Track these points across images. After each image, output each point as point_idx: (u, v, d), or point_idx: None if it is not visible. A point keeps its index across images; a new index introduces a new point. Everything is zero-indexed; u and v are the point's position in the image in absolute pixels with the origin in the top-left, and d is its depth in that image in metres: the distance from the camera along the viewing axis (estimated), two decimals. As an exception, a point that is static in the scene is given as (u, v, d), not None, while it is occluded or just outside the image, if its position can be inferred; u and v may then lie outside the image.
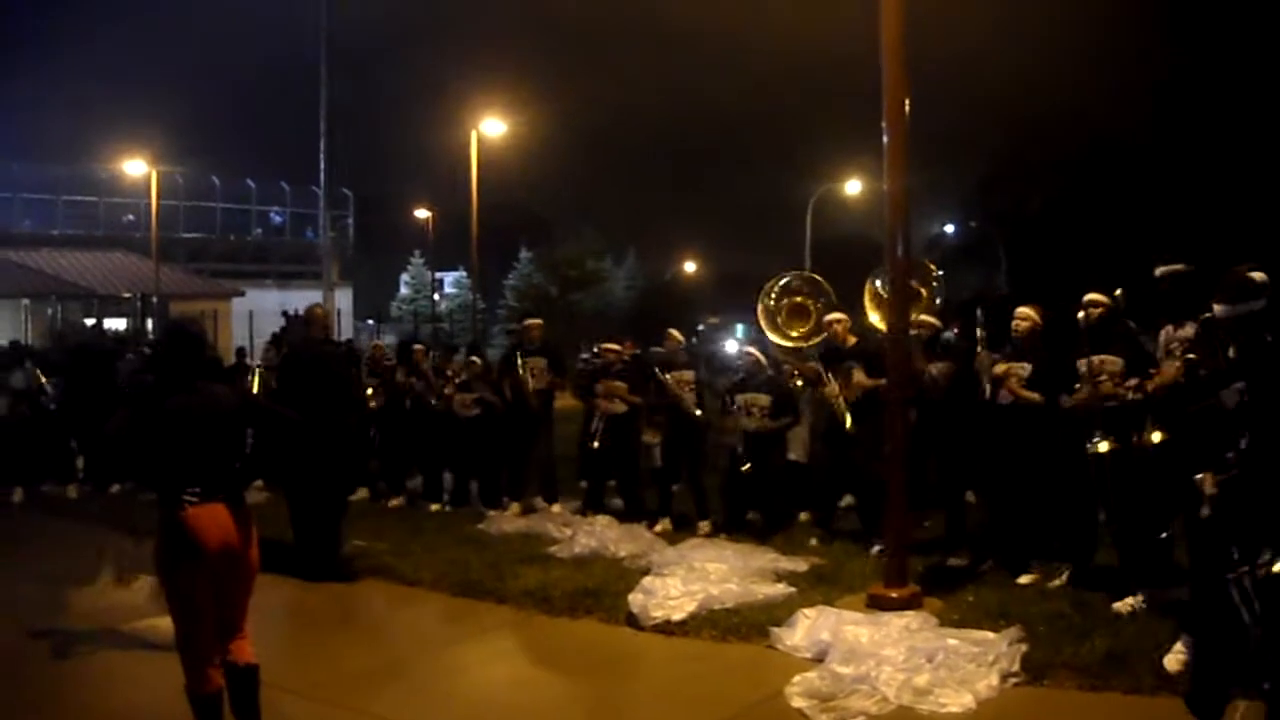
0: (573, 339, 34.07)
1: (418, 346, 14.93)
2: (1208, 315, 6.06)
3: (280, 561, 8.85)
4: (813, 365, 11.73)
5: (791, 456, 12.01)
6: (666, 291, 66.79)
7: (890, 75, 8.55)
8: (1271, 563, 5.27)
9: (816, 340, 12.12)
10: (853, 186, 48.80)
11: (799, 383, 11.89)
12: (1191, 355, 6.30)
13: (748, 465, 11.45)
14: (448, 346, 15.80)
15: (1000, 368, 9.29)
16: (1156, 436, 7.83)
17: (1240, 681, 5.53)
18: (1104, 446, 8.26)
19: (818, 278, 12.86)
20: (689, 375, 12.25)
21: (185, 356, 6.07)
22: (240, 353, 20.08)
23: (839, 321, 11.42)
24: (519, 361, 13.31)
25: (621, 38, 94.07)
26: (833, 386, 11.02)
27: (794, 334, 12.31)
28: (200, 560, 5.64)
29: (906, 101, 8.58)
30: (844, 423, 10.91)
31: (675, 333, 12.87)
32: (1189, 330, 7.45)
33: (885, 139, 8.64)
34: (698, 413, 12.02)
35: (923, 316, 10.61)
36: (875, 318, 11.32)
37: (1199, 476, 5.79)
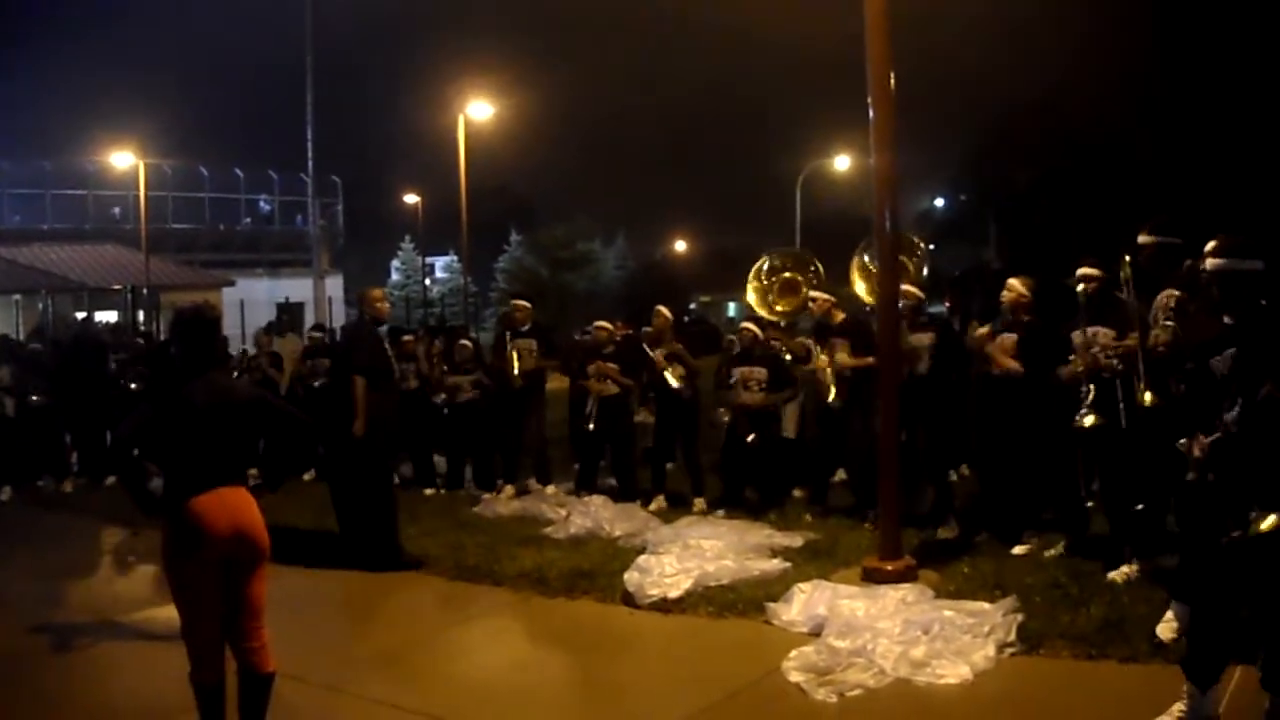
0: (565, 320, 33.96)
1: (407, 338, 14.94)
2: (1200, 268, 5.87)
3: (283, 549, 8.84)
4: (801, 340, 11.77)
5: (784, 434, 12.05)
6: (657, 271, 66.79)
7: (875, 50, 8.53)
8: (1259, 520, 5.26)
9: (797, 315, 12.23)
10: (842, 162, 48.84)
11: (788, 357, 11.94)
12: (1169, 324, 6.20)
13: (753, 436, 11.48)
14: (430, 330, 15.77)
15: (981, 332, 9.37)
16: (1149, 398, 7.79)
17: (1236, 648, 5.54)
18: (1089, 421, 8.28)
19: (804, 253, 12.90)
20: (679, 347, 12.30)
21: (200, 344, 6.03)
22: (225, 343, 19.82)
23: (815, 300, 11.44)
24: (506, 343, 13.33)
25: (607, 19, 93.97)
26: (820, 360, 11.05)
27: (780, 308, 12.37)
28: (208, 549, 5.61)
29: (892, 77, 8.56)
30: (828, 397, 10.95)
31: (664, 310, 12.86)
32: (1171, 300, 7.40)
33: (871, 114, 8.64)
34: (675, 384, 12.05)
35: (906, 287, 10.60)
36: (862, 289, 11.38)
37: (1182, 441, 5.78)
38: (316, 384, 14.55)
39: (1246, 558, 5.29)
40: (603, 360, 12.54)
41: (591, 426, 12.44)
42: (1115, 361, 8.14)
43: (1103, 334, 8.41)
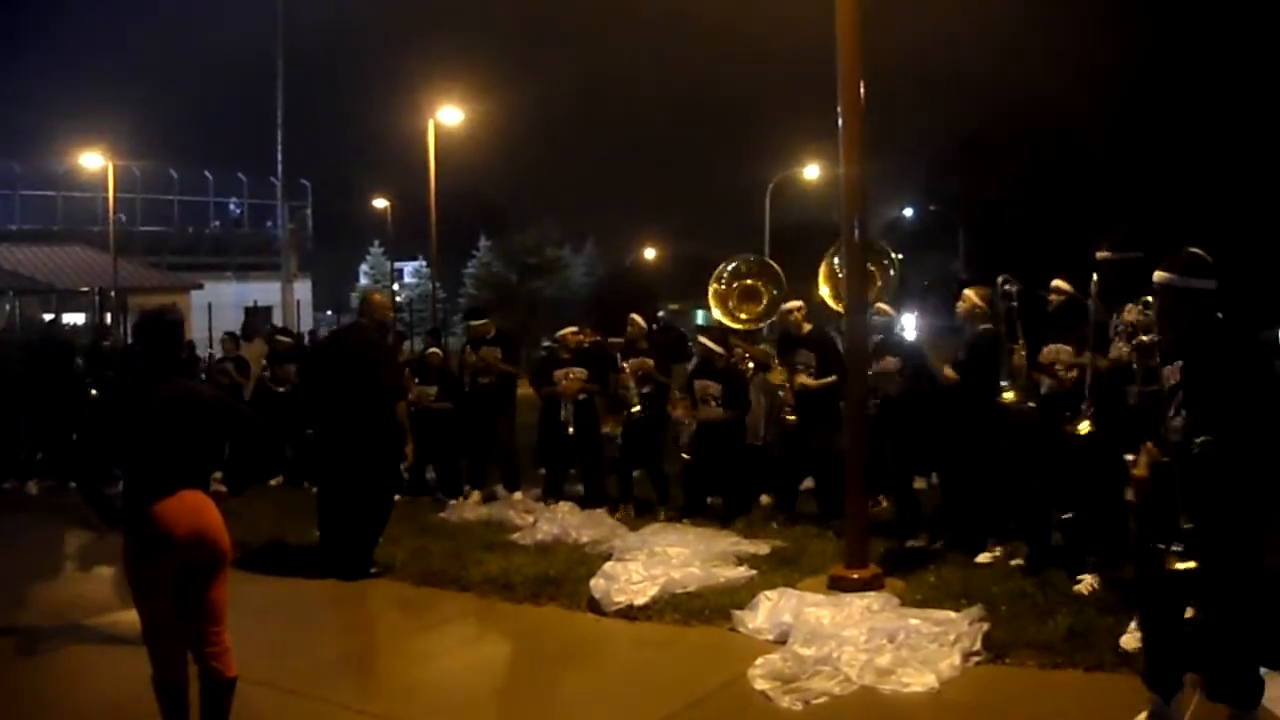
0: (534, 327, 33.82)
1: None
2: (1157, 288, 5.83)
3: (248, 555, 8.80)
4: (764, 349, 11.77)
5: (752, 441, 12.05)
6: (626, 278, 66.80)
7: (845, 60, 8.54)
8: (1174, 559, 5.29)
9: (764, 323, 12.27)
10: (811, 171, 48.92)
11: (750, 365, 11.94)
12: (1144, 337, 6.17)
13: (687, 456, 11.69)
14: (399, 334, 15.71)
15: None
16: (1084, 428, 7.75)
17: (1190, 658, 5.56)
18: (1084, 428, 8.03)
19: (769, 261, 12.92)
20: (650, 363, 12.32)
21: (164, 346, 6.01)
22: (189, 346, 19.61)
23: (796, 309, 11.40)
24: (471, 351, 13.43)
25: (579, 27, 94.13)
26: (778, 374, 11.08)
27: (744, 316, 12.35)
28: (168, 553, 5.58)
29: (861, 86, 8.58)
30: (787, 413, 11.05)
31: (637, 318, 12.89)
32: (1133, 314, 7.40)
33: (841, 124, 8.64)
34: (634, 408, 12.12)
35: (880, 305, 10.60)
36: (826, 291, 11.37)
37: (1129, 457, 5.77)
38: (282, 390, 14.44)
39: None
40: (568, 366, 12.60)
41: (571, 430, 12.38)
42: (1069, 379, 8.23)
43: (1064, 352, 8.45)
